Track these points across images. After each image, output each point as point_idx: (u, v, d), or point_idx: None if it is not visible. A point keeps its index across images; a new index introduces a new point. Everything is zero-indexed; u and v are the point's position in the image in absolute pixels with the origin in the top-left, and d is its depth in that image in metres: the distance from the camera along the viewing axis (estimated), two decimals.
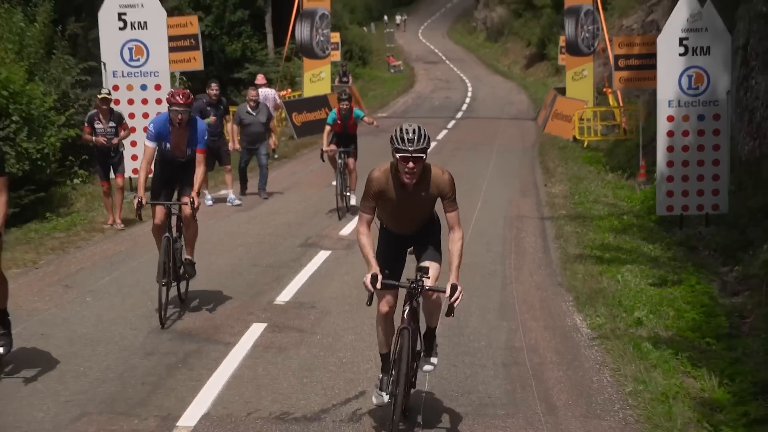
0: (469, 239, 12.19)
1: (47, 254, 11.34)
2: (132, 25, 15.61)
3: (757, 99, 15.22)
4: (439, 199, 6.11)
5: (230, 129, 16.14)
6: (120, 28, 15.58)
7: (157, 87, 15.58)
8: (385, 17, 72.52)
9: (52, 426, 6.12)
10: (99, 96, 13.21)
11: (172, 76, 17.87)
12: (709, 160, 13.76)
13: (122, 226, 13.04)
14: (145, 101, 15.53)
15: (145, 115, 15.05)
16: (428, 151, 5.88)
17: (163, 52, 15.75)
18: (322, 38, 28.66)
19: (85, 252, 11.62)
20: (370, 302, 6.00)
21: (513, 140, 24.54)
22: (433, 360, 6.44)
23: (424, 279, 6.01)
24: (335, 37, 33.61)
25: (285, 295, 9.57)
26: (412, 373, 6.20)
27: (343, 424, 6.33)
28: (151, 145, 8.80)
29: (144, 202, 8.65)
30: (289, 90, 29.66)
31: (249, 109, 15.61)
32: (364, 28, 65.98)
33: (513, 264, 11.18)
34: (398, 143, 5.83)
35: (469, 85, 44.16)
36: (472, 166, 19.38)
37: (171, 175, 8.97)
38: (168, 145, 8.84)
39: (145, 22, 15.62)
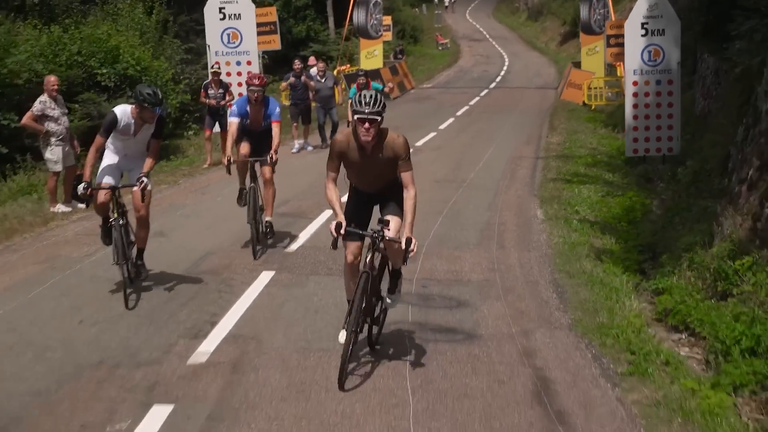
0: (479, 171, 16.50)
1: (182, 177, 15.95)
2: (229, 16, 20.06)
3: (707, 69, 19.21)
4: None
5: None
6: (220, 19, 20.04)
7: (248, 63, 20.04)
8: None
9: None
10: (211, 70, 17.74)
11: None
12: (664, 114, 17.77)
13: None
14: (239, 74, 19.96)
15: (240, 84, 19.49)
16: (382, 115, 6.42)
17: (252, 36, 20.21)
18: (375, 22, 33.02)
19: (204, 177, 16.18)
20: (335, 247, 6.60)
21: (533, 105, 28.64)
22: (393, 297, 7.01)
23: (384, 230, 6.56)
24: (387, 20, 37.81)
25: None
26: (370, 312, 6.77)
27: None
28: (234, 120, 10.33)
29: (233, 160, 10.15)
30: (348, 65, 34.04)
31: (318, 77, 19.99)
32: (416, 10, 69.96)
33: (506, 184, 15.41)
34: (357, 106, 6.38)
35: (506, 60, 48.16)
36: (493, 124, 23.63)
37: (251, 142, 10.49)
38: (248, 120, 10.40)
39: (239, 14, 20.06)
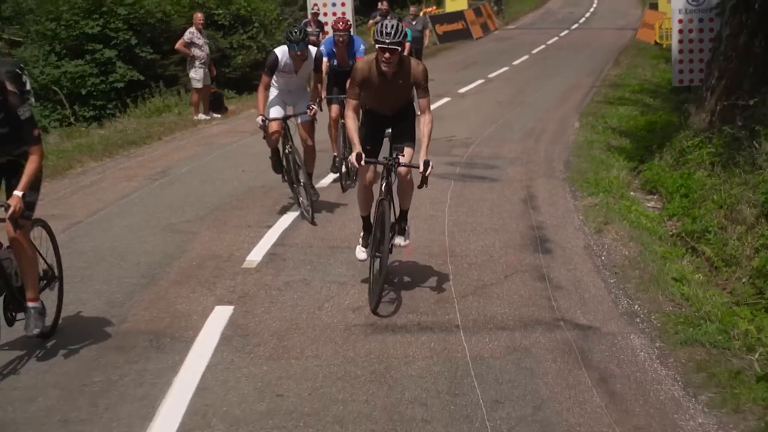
0: (538, 95, 21.44)
1: None
2: None
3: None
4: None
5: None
6: None
7: (342, 4, 25.18)
8: None
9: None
10: (312, 11, 22.98)
11: None
12: (706, 49, 22.40)
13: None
14: (334, 14, 25.11)
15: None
16: (402, 45, 7.37)
17: None
18: None
19: None
20: (355, 177, 8.22)
21: (606, 44, 33.20)
22: (402, 239, 8.08)
23: (399, 156, 7.56)
24: None
25: None
26: (390, 238, 7.74)
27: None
28: (325, 59, 11.73)
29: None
30: (434, 7, 39.00)
31: (410, 21, 25.02)
32: None
33: (557, 104, 20.26)
34: (378, 36, 7.32)
35: (595, 1, 52.41)
36: (563, 60, 28.45)
37: (338, 81, 12.21)
38: (335, 61, 12.16)
39: None
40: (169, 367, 6.35)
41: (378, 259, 7.66)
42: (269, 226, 9.91)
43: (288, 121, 10.59)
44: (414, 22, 24.98)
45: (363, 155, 7.47)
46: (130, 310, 7.50)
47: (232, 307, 7.51)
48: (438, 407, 5.75)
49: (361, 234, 8.05)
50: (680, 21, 22.44)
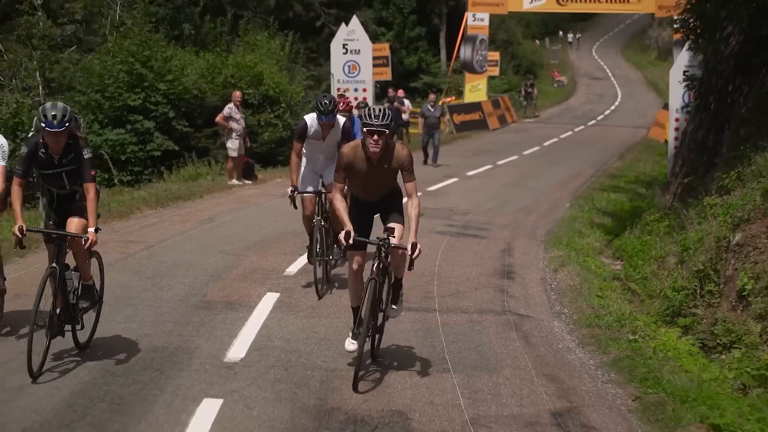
0: (539, 181, 25.88)
1: None
2: (350, 51, 30.09)
3: None
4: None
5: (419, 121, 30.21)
6: (343, 53, 30.08)
7: (364, 90, 30.02)
8: (560, 32, 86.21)
9: None
10: (339, 93, 27.69)
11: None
12: None
13: None
14: (356, 99, 29.87)
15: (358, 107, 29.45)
16: (389, 128, 8.63)
17: (368, 68, 30.19)
18: (480, 57, 42.91)
19: None
20: (344, 256, 9.86)
21: (617, 140, 37.86)
22: (396, 307, 9.28)
23: (390, 237, 8.76)
24: (495, 55, 47.69)
25: None
26: (376, 319, 8.99)
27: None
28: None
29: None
30: (454, 97, 43.94)
31: (429, 107, 29.62)
32: (537, 41, 79.86)
33: (556, 189, 24.63)
34: (366, 119, 8.55)
35: (618, 100, 57.49)
36: (572, 152, 33.06)
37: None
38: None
39: (359, 49, 30.07)
40: (241, 317, 10.66)
41: (355, 338, 9.02)
42: (302, 254, 14.28)
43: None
44: (432, 109, 29.67)
45: (352, 233, 8.61)
46: (207, 292, 11.85)
47: (278, 294, 11.83)
48: (416, 342, 10.05)
49: (351, 327, 9.27)
50: (677, 119, 27.00)
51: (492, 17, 44.79)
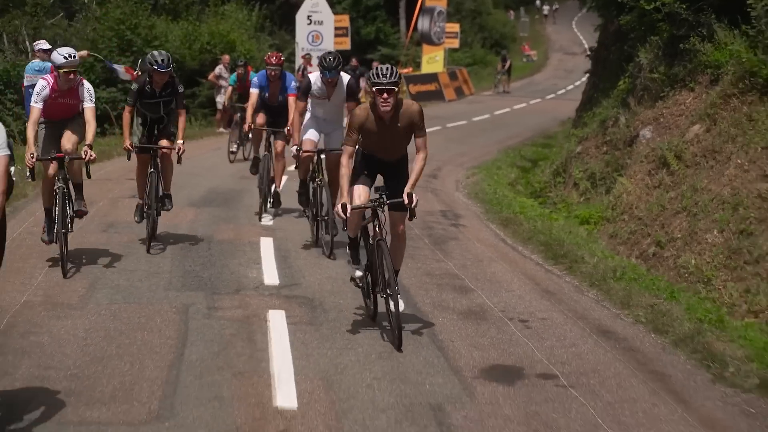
0: (481, 138, 38.92)
1: None
2: (314, 22, 43.03)
3: None
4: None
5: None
6: (307, 24, 43.02)
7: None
8: (538, 1, 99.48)
9: None
10: (305, 55, 40.49)
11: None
12: None
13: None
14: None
15: None
16: (398, 85, 11.33)
17: (330, 38, 43.17)
18: (437, 29, 56.01)
19: None
20: (345, 227, 12.48)
21: (568, 112, 50.83)
22: (401, 303, 11.91)
23: (383, 195, 11.65)
24: (454, 27, 60.67)
25: None
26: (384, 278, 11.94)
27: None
28: (254, 91, 18.39)
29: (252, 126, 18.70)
30: (411, 68, 56.96)
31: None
32: (512, 12, 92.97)
33: (489, 144, 37.57)
34: (375, 78, 11.29)
35: (586, 77, 70.63)
36: (519, 120, 46.34)
37: (270, 116, 18.68)
38: (266, 93, 18.34)
39: (322, 21, 43.07)
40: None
41: (389, 300, 11.73)
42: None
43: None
44: None
45: (348, 206, 11.39)
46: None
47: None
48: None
49: (348, 252, 12.80)
50: None
51: None
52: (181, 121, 16.15)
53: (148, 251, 16.40)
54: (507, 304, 14.35)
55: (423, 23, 56.56)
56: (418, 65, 58.71)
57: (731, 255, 15.63)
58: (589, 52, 35.59)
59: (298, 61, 41.76)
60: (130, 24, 39.63)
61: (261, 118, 18.72)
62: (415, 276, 15.78)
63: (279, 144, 18.59)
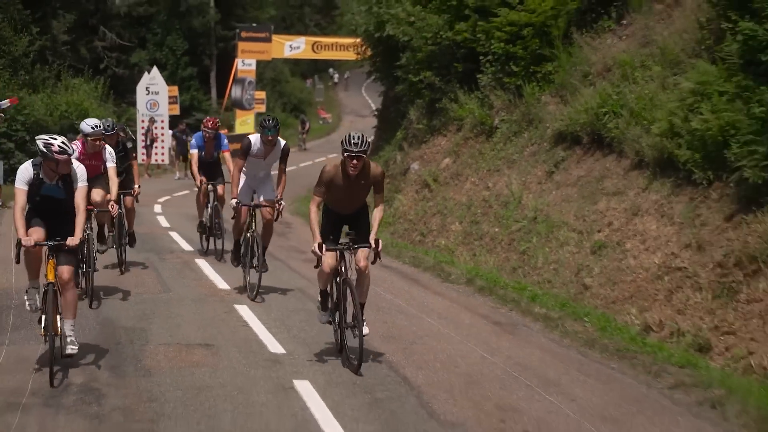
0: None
1: None
2: (152, 92, 51.94)
3: None
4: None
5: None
6: (146, 94, 51.90)
7: (162, 121, 51.77)
8: (331, 69, 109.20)
9: None
10: (148, 119, 49.29)
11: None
12: None
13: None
14: (155, 126, 51.48)
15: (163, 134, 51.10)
16: (367, 152, 12.56)
17: (165, 104, 52.15)
18: (248, 96, 65.33)
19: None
20: (318, 265, 13.03)
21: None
22: (366, 328, 13.21)
23: (351, 239, 13.33)
24: (261, 94, 69.84)
25: None
26: (343, 315, 13.52)
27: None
28: (194, 151, 21.62)
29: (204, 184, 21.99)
30: (226, 130, 65.89)
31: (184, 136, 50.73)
32: (310, 81, 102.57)
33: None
34: (347, 145, 12.59)
35: (374, 132, 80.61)
36: (317, 168, 55.38)
37: (207, 170, 21.64)
38: (203, 153, 21.49)
39: (158, 91, 52.01)
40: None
41: (348, 329, 13.38)
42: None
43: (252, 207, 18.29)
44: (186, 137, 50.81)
45: (324, 245, 12.86)
46: None
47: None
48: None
49: (318, 304, 14.11)
50: None
51: (259, 60, 67.33)
52: (134, 167, 19.94)
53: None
54: None
55: (236, 91, 65.69)
56: (230, 127, 67.46)
57: (466, 236, 25.26)
58: (375, 112, 44.71)
59: (139, 124, 50.49)
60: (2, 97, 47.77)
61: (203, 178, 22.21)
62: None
63: (220, 188, 22.31)
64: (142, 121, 50.32)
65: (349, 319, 13.46)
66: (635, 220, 19.28)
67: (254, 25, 67.75)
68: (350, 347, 13.48)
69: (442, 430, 11.38)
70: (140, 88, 52.22)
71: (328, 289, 13.75)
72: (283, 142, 17.83)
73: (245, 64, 65.53)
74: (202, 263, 22.39)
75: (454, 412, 11.96)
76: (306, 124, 70.88)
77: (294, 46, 67.28)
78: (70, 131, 45.77)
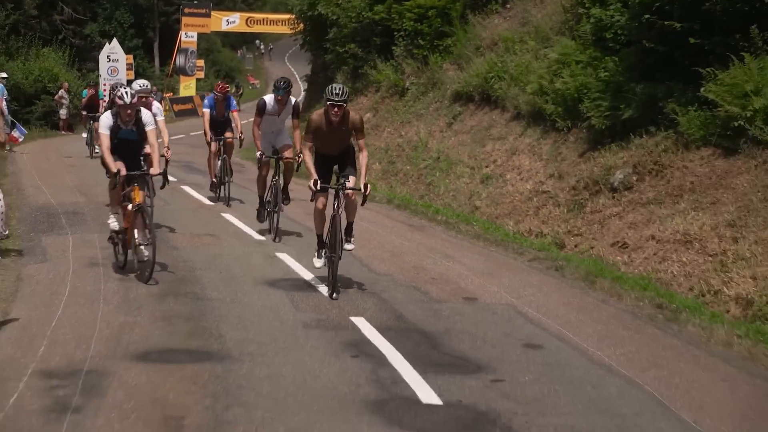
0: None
1: None
2: (112, 60, 55.72)
3: None
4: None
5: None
6: (107, 61, 55.66)
7: (121, 85, 55.47)
8: (257, 41, 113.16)
9: None
10: (104, 86, 53.51)
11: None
12: None
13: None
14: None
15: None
16: (347, 102, 12.92)
17: (124, 71, 55.98)
18: (191, 64, 69.31)
19: None
20: (313, 199, 13.29)
21: None
22: (351, 244, 13.71)
23: (346, 183, 13.08)
24: (200, 62, 73.81)
25: None
26: (335, 248, 13.23)
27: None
28: (207, 111, 21.63)
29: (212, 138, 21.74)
30: (171, 93, 69.93)
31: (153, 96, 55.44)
32: (240, 51, 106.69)
33: None
34: (329, 95, 12.79)
35: (302, 94, 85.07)
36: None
37: (218, 127, 21.66)
38: (215, 112, 21.64)
39: (117, 59, 55.75)
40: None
41: (332, 260, 13.36)
42: None
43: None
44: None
45: (319, 181, 12.99)
46: None
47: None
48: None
49: (316, 249, 14.01)
50: None
51: (200, 33, 71.30)
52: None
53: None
54: None
55: (180, 60, 69.67)
56: (175, 91, 71.25)
57: (384, 173, 29.48)
58: (305, 78, 49.09)
59: (101, 88, 54.33)
60: None
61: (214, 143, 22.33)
62: None
63: (228, 134, 22.44)
64: (104, 85, 53.84)
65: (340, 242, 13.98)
66: (513, 157, 23.52)
67: (195, 2, 71.56)
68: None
69: (378, 276, 15.13)
70: (102, 56, 55.82)
71: (325, 233, 13.98)
72: (293, 99, 18.19)
73: (188, 36, 69.58)
74: (188, 189, 25.50)
75: (384, 268, 15.81)
76: (240, 88, 74.94)
77: (230, 21, 71.40)
78: (43, 93, 49.94)
